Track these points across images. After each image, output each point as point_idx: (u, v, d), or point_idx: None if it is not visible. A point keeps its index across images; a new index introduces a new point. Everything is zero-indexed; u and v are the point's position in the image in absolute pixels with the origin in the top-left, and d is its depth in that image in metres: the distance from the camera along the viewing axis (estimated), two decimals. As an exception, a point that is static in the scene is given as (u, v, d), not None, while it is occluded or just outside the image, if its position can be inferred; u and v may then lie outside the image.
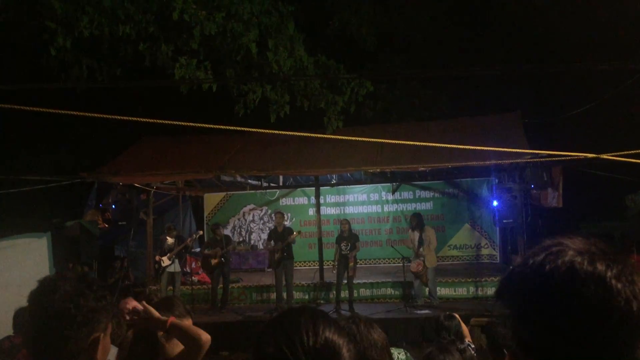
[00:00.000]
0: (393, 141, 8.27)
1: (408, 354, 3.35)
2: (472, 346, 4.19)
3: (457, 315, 4.48)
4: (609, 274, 0.85)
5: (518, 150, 8.25)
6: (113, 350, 3.58)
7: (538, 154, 8.32)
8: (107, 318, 1.54)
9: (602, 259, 0.87)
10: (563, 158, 7.66)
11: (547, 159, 8.76)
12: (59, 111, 6.20)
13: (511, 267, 0.96)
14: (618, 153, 6.61)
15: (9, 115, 9.19)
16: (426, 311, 9.94)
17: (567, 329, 0.84)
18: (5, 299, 6.67)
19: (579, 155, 6.93)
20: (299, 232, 10.94)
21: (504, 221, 10.85)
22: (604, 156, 6.63)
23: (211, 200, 15.29)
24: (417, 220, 10.56)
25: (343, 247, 10.44)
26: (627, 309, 0.84)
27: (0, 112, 6.89)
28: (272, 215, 14.13)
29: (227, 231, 13.73)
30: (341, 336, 1.11)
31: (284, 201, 14.85)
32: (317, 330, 1.09)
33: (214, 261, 10.82)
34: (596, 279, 0.85)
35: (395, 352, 3.02)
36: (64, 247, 10.29)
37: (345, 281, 10.46)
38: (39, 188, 11.51)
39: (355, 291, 10.86)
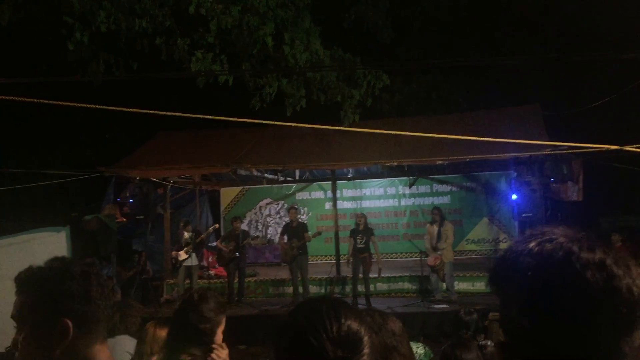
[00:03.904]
0: (410, 133, 8.19)
1: (427, 348, 3.32)
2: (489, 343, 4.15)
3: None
4: (608, 260, 0.85)
5: (538, 142, 8.12)
6: (132, 343, 3.59)
7: (559, 146, 8.18)
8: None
9: (597, 246, 0.87)
10: (585, 150, 7.53)
11: (569, 151, 8.62)
12: (77, 104, 6.22)
13: (501, 255, 0.94)
14: (642, 145, 6.48)
15: (28, 109, 9.29)
16: (444, 306, 9.88)
17: (567, 314, 0.83)
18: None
19: (601, 147, 6.80)
20: (319, 233, 10.87)
21: (523, 215, 10.72)
22: (628, 148, 6.49)
23: (228, 194, 15.33)
24: (439, 215, 10.52)
25: (358, 241, 10.41)
26: (629, 295, 0.84)
27: (19, 106, 6.95)
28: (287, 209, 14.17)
29: (243, 225, 13.74)
30: (363, 324, 1.12)
31: (301, 195, 14.84)
32: (339, 318, 1.09)
33: (228, 255, 10.85)
34: (597, 264, 0.85)
35: (414, 346, 2.99)
36: (83, 241, 10.36)
37: (362, 275, 10.44)
38: (58, 182, 11.64)
39: (372, 285, 10.82)
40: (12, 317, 1.48)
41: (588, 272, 0.84)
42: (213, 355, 2.49)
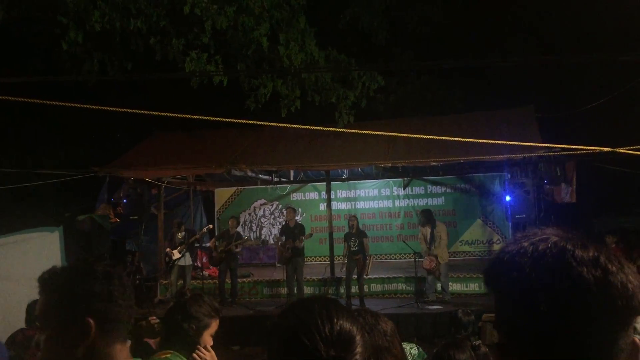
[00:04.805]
0: (404, 135, 8.21)
1: (420, 349, 3.33)
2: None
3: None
4: (601, 257, 0.87)
5: (531, 144, 8.15)
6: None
7: (552, 147, 8.22)
8: None
9: (590, 244, 0.89)
10: (578, 152, 7.57)
11: (562, 152, 8.66)
12: (71, 104, 6.21)
13: (495, 256, 0.95)
14: (635, 147, 6.51)
15: (21, 109, 9.25)
16: (438, 307, 9.89)
17: (564, 311, 0.84)
18: (17, 293, 6.72)
19: (594, 149, 6.85)
20: (311, 235, 10.85)
21: (517, 216, 10.76)
22: (620, 150, 6.53)
23: (222, 195, 15.31)
24: (426, 217, 10.51)
25: (351, 244, 10.42)
26: (623, 290, 0.85)
27: (12, 105, 6.93)
28: (283, 210, 14.13)
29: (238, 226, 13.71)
30: (355, 323, 1.12)
31: (295, 196, 14.83)
32: (331, 317, 1.10)
33: (218, 255, 10.81)
34: (591, 260, 0.86)
35: (407, 347, 2.99)
36: (76, 242, 10.30)
37: (355, 276, 10.44)
38: (51, 182, 11.58)
39: (366, 286, 10.82)
40: (36, 316, 1.49)
41: (584, 268, 0.85)
42: (195, 355, 2.48)
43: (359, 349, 1.08)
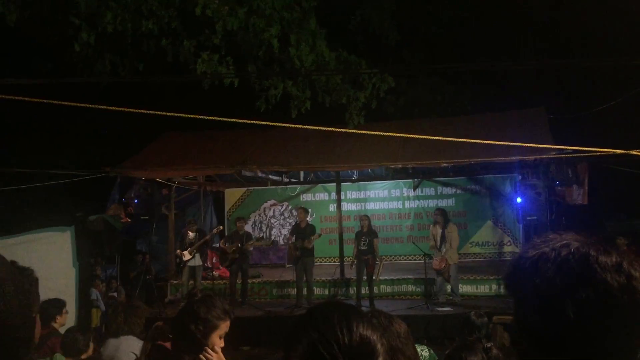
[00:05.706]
0: (415, 136, 8.19)
1: (431, 351, 3.32)
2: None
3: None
4: (625, 263, 0.87)
5: (543, 145, 8.10)
6: (137, 343, 3.59)
7: (564, 149, 8.17)
8: None
9: (612, 250, 0.89)
10: (591, 154, 7.52)
11: (574, 154, 8.60)
12: (83, 105, 6.25)
13: (515, 261, 0.95)
14: (648, 149, 6.46)
15: (34, 109, 9.32)
16: (448, 308, 9.86)
17: (589, 316, 0.84)
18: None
19: (607, 151, 6.80)
20: (319, 236, 10.83)
21: (528, 218, 10.69)
22: (634, 152, 6.48)
23: (232, 195, 15.34)
24: (441, 216, 10.47)
25: (361, 243, 10.39)
26: None
27: (25, 106, 6.98)
28: (293, 210, 14.13)
29: (247, 226, 13.73)
30: (374, 331, 1.10)
31: (305, 197, 14.83)
32: (350, 326, 1.07)
33: (231, 255, 10.83)
34: (615, 266, 0.87)
35: (418, 348, 2.99)
36: (87, 241, 10.36)
37: (365, 277, 10.42)
38: (63, 182, 11.66)
39: (376, 288, 10.80)
40: None
41: (608, 274, 0.85)
42: (201, 356, 2.47)
43: (380, 359, 1.06)
